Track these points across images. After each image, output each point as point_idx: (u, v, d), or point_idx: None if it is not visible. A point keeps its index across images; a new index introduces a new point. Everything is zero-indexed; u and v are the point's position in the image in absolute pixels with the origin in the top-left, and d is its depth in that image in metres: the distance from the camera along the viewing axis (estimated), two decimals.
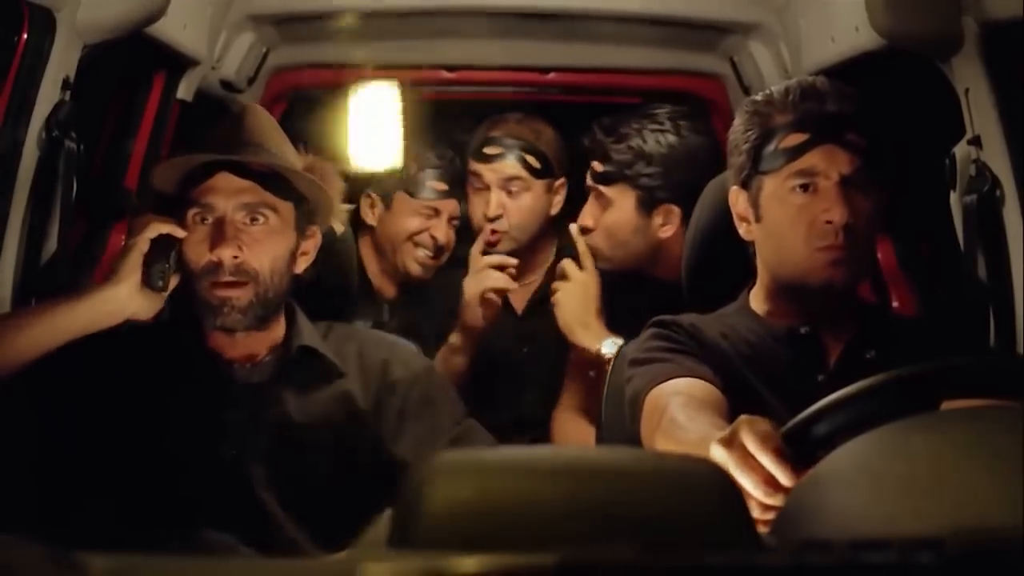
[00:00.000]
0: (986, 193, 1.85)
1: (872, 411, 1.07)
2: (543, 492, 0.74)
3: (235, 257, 1.79)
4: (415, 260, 2.65)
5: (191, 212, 1.82)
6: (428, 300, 2.68)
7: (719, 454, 1.20)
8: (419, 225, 2.64)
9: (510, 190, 2.57)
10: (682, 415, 1.48)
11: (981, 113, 1.85)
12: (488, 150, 2.58)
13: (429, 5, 2.60)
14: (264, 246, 1.82)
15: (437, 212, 2.65)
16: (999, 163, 1.84)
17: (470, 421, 1.96)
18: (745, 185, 1.72)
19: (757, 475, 1.15)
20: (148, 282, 1.80)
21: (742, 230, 1.75)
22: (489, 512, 0.73)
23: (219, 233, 1.79)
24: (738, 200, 1.74)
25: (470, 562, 0.64)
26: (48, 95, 1.91)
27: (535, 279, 2.67)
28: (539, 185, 2.59)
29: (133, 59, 2.30)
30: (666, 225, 2.34)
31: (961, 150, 1.92)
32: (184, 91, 2.47)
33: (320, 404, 1.86)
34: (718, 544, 0.72)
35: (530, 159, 2.57)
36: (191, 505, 1.76)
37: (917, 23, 1.86)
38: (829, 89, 1.69)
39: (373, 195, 2.69)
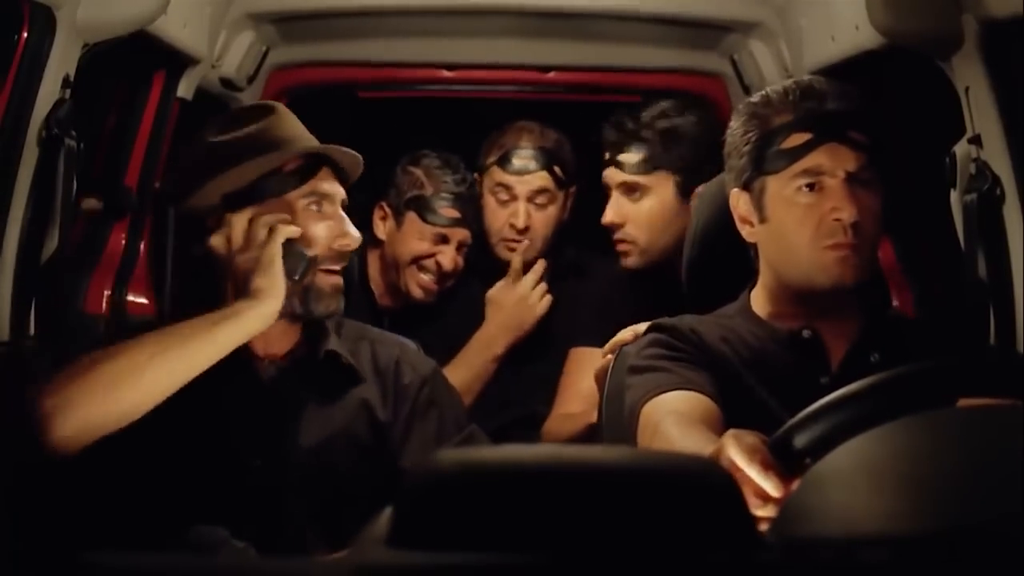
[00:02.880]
0: (986, 192, 1.85)
1: (858, 417, 1.06)
2: (542, 491, 0.74)
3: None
4: (417, 284, 2.61)
5: (304, 202, 1.82)
6: (432, 316, 2.66)
7: None
8: (426, 250, 2.60)
9: (537, 202, 2.59)
10: (675, 431, 1.48)
11: (981, 112, 1.85)
12: (518, 161, 2.58)
13: (429, 4, 2.60)
14: (355, 232, 1.87)
15: (447, 239, 2.61)
16: (999, 162, 1.84)
17: (473, 427, 1.96)
18: (747, 187, 1.71)
19: (746, 487, 1.15)
20: (291, 277, 1.77)
21: (745, 232, 1.74)
22: (488, 511, 0.73)
23: (343, 223, 1.84)
24: (739, 202, 1.73)
25: (469, 561, 0.64)
26: (48, 94, 1.90)
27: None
28: (561, 195, 2.62)
29: (133, 58, 2.30)
30: None
31: (961, 149, 1.91)
32: (184, 90, 2.47)
33: (341, 413, 1.87)
34: (718, 543, 0.72)
35: (558, 170, 2.59)
36: (205, 505, 1.76)
37: (917, 21, 1.86)
38: (828, 88, 1.68)
39: (386, 208, 2.66)
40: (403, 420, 1.89)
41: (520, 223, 2.57)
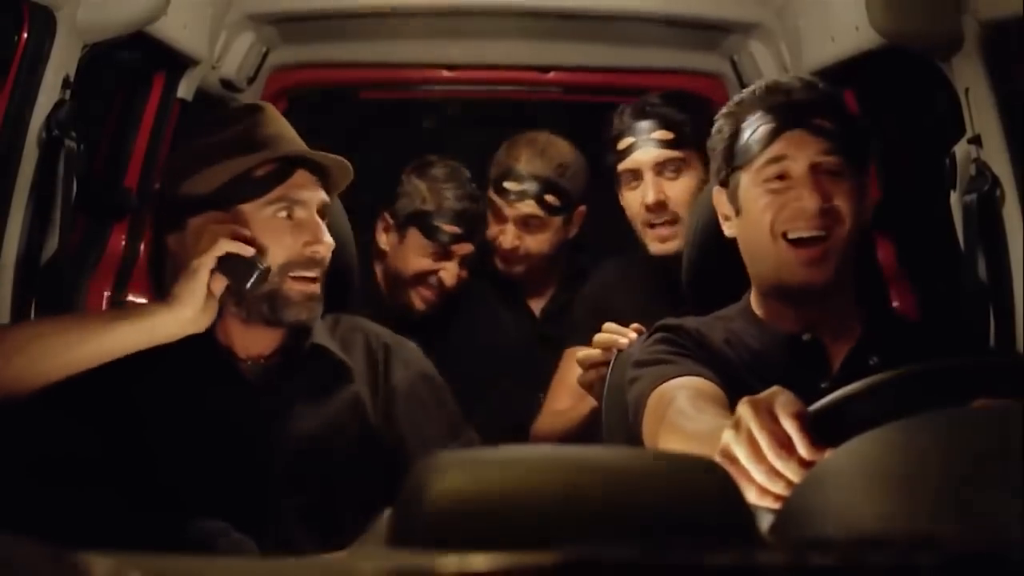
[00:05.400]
0: (986, 193, 1.85)
1: (900, 401, 1.06)
2: (542, 491, 0.74)
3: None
4: (420, 297, 2.58)
5: (272, 208, 1.79)
6: (438, 322, 2.62)
7: (744, 411, 1.20)
8: (429, 266, 2.56)
9: (528, 225, 2.56)
10: (690, 407, 1.48)
11: (981, 112, 1.85)
12: (508, 185, 2.55)
13: (429, 5, 2.60)
14: (328, 239, 1.84)
15: (450, 255, 2.56)
16: (999, 163, 1.84)
17: (470, 433, 1.97)
18: (724, 184, 1.75)
19: (774, 437, 1.15)
20: (237, 286, 1.73)
21: (726, 228, 1.77)
22: (488, 511, 0.73)
23: (316, 228, 1.80)
24: (720, 200, 1.77)
25: (469, 561, 0.64)
26: (48, 95, 1.91)
27: (550, 290, 2.71)
28: (556, 221, 2.57)
29: (133, 59, 2.30)
30: None
31: (961, 150, 1.91)
32: (184, 91, 2.47)
33: (333, 409, 1.86)
34: (718, 543, 0.72)
35: (549, 199, 2.54)
36: (197, 501, 1.76)
37: (917, 22, 1.86)
38: (795, 82, 1.72)
39: (388, 219, 2.61)
40: (394, 421, 1.89)
41: (507, 244, 2.57)
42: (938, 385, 1.11)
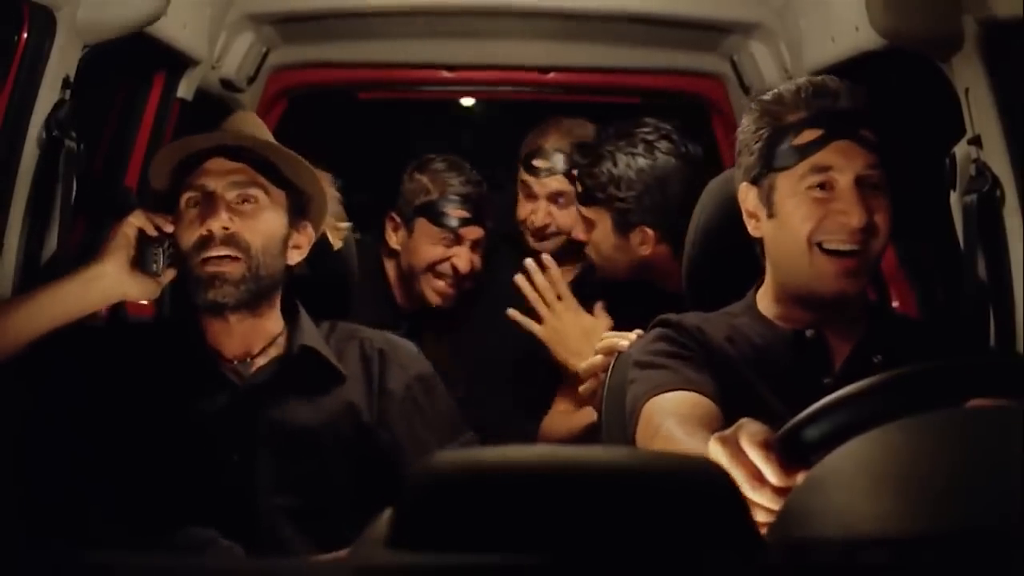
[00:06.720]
0: (986, 193, 1.85)
1: (864, 415, 1.06)
2: (541, 492, 0.74)
3: (225, 228, 1.81)
4: (434, 290, 2.62)
5: (184, 197, 1.85)
6: (456, 317, 2.67)
7: (715, 449, 1.21)
8: (440, 254, 2.61)
9: (558, 201, 2.62)
10: (679, 431, 1.48)
11: (981, 113, 1.85)
12: (537, 163, 2.62)
13: (429, 5, 2.61)
14: (256, 222, 1.84)
15: (460, 240, 2.62)
16: (999, 163, 1.84)
17: (470, 434, 1.97)
18: (756, 182, 1.71)
19: (745, 469, 1.16)
20: (142, 265, 1.83)
21: (751, 226, 1.74)
22: (487, 512, 0.73)
23: (210, 207, 1.82)
24: (748, 197, 1.73)
25: (468, 562, 0.64)
26: (48, 95, 1.91)
27: (570, 272, 2.71)
28: None
29: (133, 59, 2.30)
30: (643, 245, 2.36)
31: (961, 150, 1.91)
32: (184, 90, 2.47)
33: (325, 412, 1.86)
34: (717, 544, 0.72)
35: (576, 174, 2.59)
36: (187, 505, 1.76)
37: (917, 23, 1.86)
38: (840, 87, 1.69)
39: (396, 218, 2.66)
40: (390, 425, 1.89)
41: (538, 222, 2.63)
42: (912, 394, 1.11)
